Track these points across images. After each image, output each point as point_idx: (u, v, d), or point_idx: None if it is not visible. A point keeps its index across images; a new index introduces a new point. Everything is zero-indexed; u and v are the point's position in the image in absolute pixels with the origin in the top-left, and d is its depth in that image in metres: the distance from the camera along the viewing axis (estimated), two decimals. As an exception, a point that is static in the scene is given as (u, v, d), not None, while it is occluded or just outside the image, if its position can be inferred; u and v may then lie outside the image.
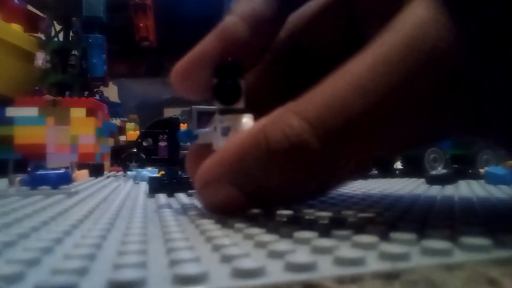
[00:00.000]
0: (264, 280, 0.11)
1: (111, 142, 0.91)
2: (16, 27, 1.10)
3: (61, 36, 1.11)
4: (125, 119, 1.14)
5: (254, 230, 0.16)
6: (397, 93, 0.14)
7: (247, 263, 0.11)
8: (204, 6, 1.09)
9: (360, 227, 0.17)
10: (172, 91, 1.27)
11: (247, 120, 0.21)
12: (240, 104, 0.21)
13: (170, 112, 1.22)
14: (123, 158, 0.75)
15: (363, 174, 0.58)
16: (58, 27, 1.10)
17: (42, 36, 1.10)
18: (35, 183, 0.38)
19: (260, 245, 0.14)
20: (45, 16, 1.09)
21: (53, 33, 1.08)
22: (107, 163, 0.85)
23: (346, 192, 0.35)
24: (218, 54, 0.21)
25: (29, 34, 1.13)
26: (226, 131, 0.21)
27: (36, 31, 1.17)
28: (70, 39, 1.09)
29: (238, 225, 0.17)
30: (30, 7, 1.16)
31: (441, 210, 0.23)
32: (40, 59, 1.01)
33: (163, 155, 0.75)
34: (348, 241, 0.15)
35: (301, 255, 0.12)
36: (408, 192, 0.36)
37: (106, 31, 1.04)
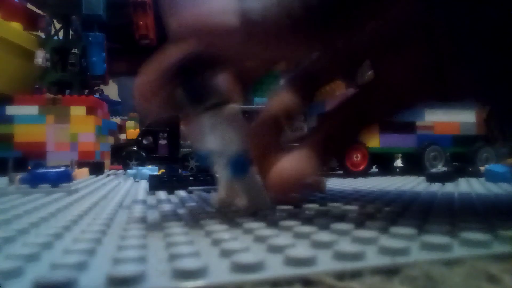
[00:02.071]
0: (263, 275, 0.11)
1: (111, 140, 0.91)
2: (16, 26, 1.10)
3: (61, 34, 1.11)
4: (125, 117, 1.14)
5: (254, 225, 0.16)
6: None
7: (246, 258, 0.11)
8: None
9: (360, 222, 0.17)
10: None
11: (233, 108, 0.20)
12: (216, 98, 0.20)
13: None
14: (123, 156, 0.75)
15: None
16: (58, 26, 1.10)
17: (42, 35, 1.09)
18: (35, 181, 0.38)
19: (260, 239, 0.14)
20: (44, 14, 1.09)
21: (53, 32, 1.08)
22: (107, 161, 0.85)
23: (346, 189, 0.35)
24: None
25: (28, 32, 1.13)
26: (211, 129, 0.19)
27: (35, 29, 1.17)
28: (70, 37, 1.09)
29: (238, 219, 0.17)
30: (29, 6, 1.16)
31: (441, 206, 0.23)
32: (40, 57, 1.01)
33: (163, 153, 0.75)
34: (348, 236, 0.15)
35: (301, 250, 0.12)
36: (408, 189, 0.36)
37: (105, 29, 1.04)
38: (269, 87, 1.05)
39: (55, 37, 1.08)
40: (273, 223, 0.17)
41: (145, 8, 1.03)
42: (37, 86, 1.03)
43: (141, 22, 1.04)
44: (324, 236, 0.14)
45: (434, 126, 0.66)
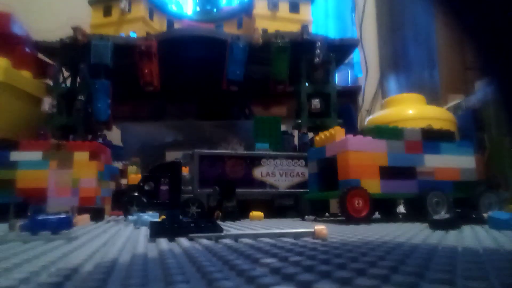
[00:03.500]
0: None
1: (112, 185, 0.91)
2: (25, 74, 1.14)
3: (68, 82, 1.14)
4: (127, 162, 1.15)
5: (256, 272, 0.16)
6: None
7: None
8: (206, 54, 1.13)
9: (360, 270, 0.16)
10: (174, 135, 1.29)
11: None
12: None
13: (172, 155, 1.22)
14: (124, 201, 0.75)
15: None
16: (66, 74, 1.14)
17: (50, 82, 1.13)
18: (35, 228, 0.38)
19: (262, 290, 0.14)
20: (54, 63, 1.13)
21: (61, 79, 1.11)
22: (108, 207, 0.84)
23: (351, 240, 0.35)
24: None
25: (38, 80, 1.17)
26: None
27: (44, 77, 1.21)
28: (77, 85, 1.12)
29: (241, 267, 0.17)
30: (40, 55, 1.21)
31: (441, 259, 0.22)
32: (47, 104, 1.04)
33: (164, 199, 0.75)
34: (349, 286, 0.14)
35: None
36: (407, 239, 0.36)
37: (111, 74, 1.07)
38: (270, 133, 1.06)
39: (63, 85, 1.12)
40: (275, 270, 0.17)
41: (150, 56, 1.07)
42: (41, 132, 1.04)
43: (146, 70, 1.08)
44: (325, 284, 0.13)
45: (435, 172, 0.66)
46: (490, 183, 0.69)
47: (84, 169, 0.77)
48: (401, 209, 0.77)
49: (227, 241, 0.32)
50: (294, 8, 1.23)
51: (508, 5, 0.14)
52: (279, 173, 0.85)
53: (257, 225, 0.54)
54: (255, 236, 0.34)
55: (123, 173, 1.05)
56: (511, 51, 0.14)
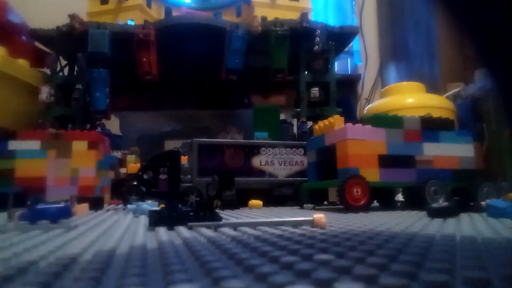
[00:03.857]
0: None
1: (111, 174, 0.91)
2: (22, 63, 1.13)
3: (66, 71, 1.14)
4: (126, 151, 1.15)
5: (255, 261, 0.16)
6: None
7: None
8: (205, 43, 1.12)
9: (359, 260, 0.16)
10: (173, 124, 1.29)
11: None
12: None
13: (171, 144, 1.22)
14: (123, 191, 0.75)
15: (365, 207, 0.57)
16: (63, 62, 1.13)
17: (48, 71, 1.12)
18: (34, 217, 0.38)
19: (260, 277, 0.14)
20: (51, 52, 1.12)
21: (58, 68, 1.10)
22: (107, 196, 0.84)
23: (350, 229, 0.35)
24: None
25: (35, 69, 1.16)
26: None
27: (42, 66, 1.20)
28: (75, 74, 1.11)
29: (240, 256, 0.17)
30: (37, 44, 1.20)
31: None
32: (45, 93, 1.03)
33: (163, 188, 0.75)
34: (349, 274, 0.14)
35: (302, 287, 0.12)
36: (405, 228, 0.36)
37: (109, 65, 1.07)
38: (269, 122, 1.06)
39: (61, 74, 1.11)
40: (273, 259, 0.17)
41: (148, 45, 1.06)
42: (40, 121, 1.04)
43: (144, 59, 1.07)
44: (324, 273, 0.14)
45: (433, 161, 0.66)
46: (489, 172, 0.69)
47: (83, 159, 0.77)
48: (399, 197, 0.77)
49: (226, 229, 0.32)
50: (294, -5, 1.22)
51: (508, 3, 0.14)
52: (278, 162, 0.85)
53: (256, 214, 0.54)
54: (254, 225, 0.34)
55: (122, 162, 1.05)
56: (510, 45, 0.14)
